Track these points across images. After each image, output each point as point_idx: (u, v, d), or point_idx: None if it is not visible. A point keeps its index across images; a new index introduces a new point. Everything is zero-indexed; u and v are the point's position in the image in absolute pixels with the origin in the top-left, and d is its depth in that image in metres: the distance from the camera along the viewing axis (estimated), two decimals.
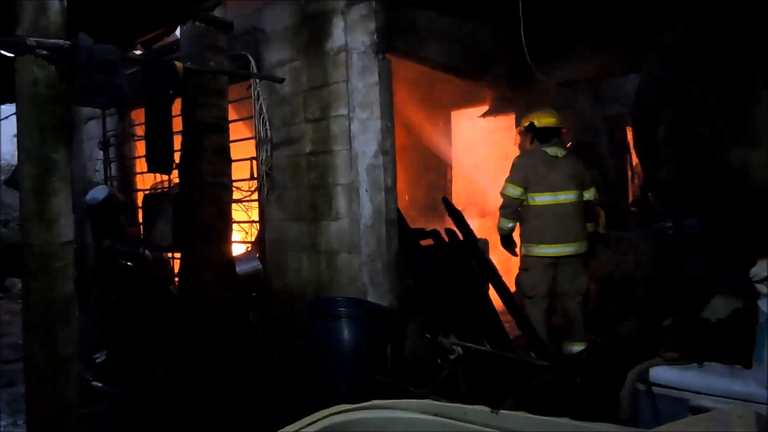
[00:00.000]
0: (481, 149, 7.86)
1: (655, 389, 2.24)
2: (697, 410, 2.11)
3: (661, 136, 3.18)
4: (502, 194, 4.29)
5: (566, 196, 4.21)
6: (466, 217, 4.66)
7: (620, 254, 5.20)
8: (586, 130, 6.12)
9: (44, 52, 2.27)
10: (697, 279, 3.82)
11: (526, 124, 4.39)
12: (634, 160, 5.98)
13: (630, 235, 5.40)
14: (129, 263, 4.66)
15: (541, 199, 4.18)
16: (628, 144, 6.28)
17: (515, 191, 4.21)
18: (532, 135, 4.37)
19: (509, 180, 4.25)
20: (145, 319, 4.53)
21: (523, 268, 4.28)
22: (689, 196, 3.65)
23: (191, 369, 3.84)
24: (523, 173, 4.22)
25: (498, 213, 4.38)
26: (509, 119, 6.21)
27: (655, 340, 2.94)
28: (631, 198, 6.16)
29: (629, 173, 6.18)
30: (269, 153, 4.64)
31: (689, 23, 3.12)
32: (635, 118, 3.78)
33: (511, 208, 4.29)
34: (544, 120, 4.36)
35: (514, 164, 4.31)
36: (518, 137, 4.64)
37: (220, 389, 3.75)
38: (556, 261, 4.19)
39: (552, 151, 4.28)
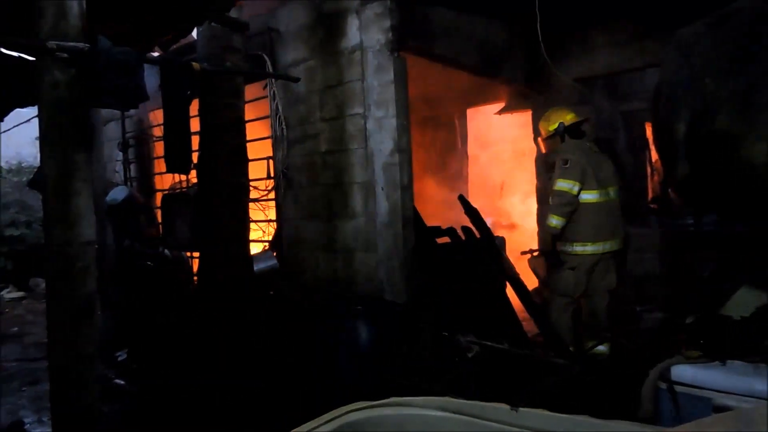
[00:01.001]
0: (497, 146, 7.83)
1: (677, 388, 2.21)
2: (720, 409, 2.08)
3: (681, 132, 3.13)
4: (560, 192, 4.04)
5: (614, 192, 4.15)
6: (483, 215, 4.63)
7: (639, 251, 5.13)
8: (604, 126, 6.05)
9: (65, 55, 2.30)
10: (717, 276, 3.76)
11: (554, 126, 4.29)
12: (654, 156, 5.89)
13: (649, 232, 5.33)
14: (149, 263, 4.72)
15: (592, 196, 4.05)
16: (646, 140, 6.19)
17: (575, 187, 3.99)
18: (561, 135, 4.28)
19: (566, 176, 4.02)
20: (162, 319, 4.58)
21: (570, 267, 4.12)
22: (710, 193, 3.59)
23: (206, 368, 3.88)
24: (579, 169, 4.02)
25: (551, 211, 4.13)
26: (525, 116, 6.17)
27: (675, 337, 2.90)
28: (650, 195, 6.07)
29: (648, 170, 6.09)
30: (285, 152, 4.66)
31: (706, 15, 3.07)
32: (654, 113, 3.72)
33: (572, 206, 4.05)
34: (568, 117, 4.30)
35: (566, 160, 4.08)
36: (544, 144, 4.53)
37: (234, 388, 3.78)
38: (600, 258, 4.12)
39: (592, 146, 4.22)
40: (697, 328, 2.50)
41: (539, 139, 4.58)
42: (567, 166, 4.06)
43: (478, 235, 4.40)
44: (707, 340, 2.38)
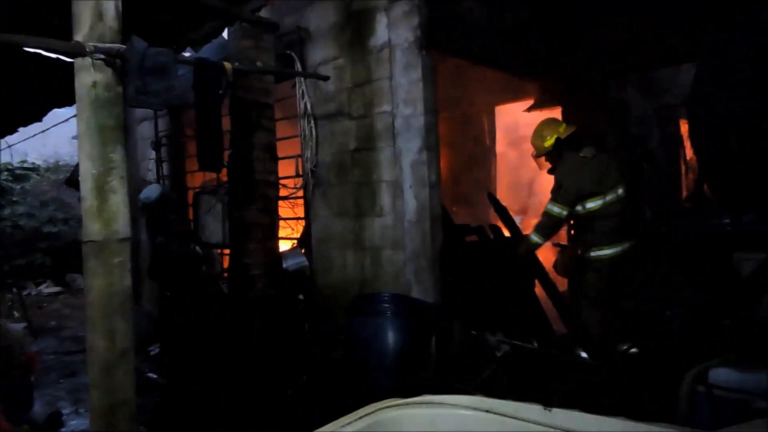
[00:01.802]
0: (526, 143, 7.75)
1: (715, 391, 2.15)
2: (760, 413, 2.02)
3: (718, 129, 3.05)
4: (549, 214, 4.02)
5: (623, 190, 4.07)
6: (511, 213, 4.59)
7: (673, 251, 5.01)
8: (636, 123, 5.93)
9: (101, 57, 2.35)
10: (756, 277, 3.65)
11: (550, 142, 4.15)
12: (689, 153, 5.75)
13: (684, 230, 5.20)
14: (181, 259, 4.81)
15: (600, 202, 3.98)
16: (681, 137, 6.06)
17: (564, 211, 3.97)
18: (559, 150, 4.14)
19: (558, 200, 3.98)
20: (182, 318, 4.66)
21: (594, 269, 4.06)
22: (749, 192, 3.49)
23: (236, 364, 3.92)
24: (574, 192, 3.97)
25: (536, 229, 4.12)
26: (555, 113, 6.09)
27: (711, 339, 2.82)
28: (684, 193, 5.94)
29: (683, 167, 5.95)
30: (314, 150, 4.70)
31: (744, 11, 2.98)
32: (691, 109, 3.63)
33: (555, 230, 4.10)
34: (561, 129, 4.17)
35: (560, 183, 4.03)
36: (539, 162, 4.36)
37: (264, 386, 3.82)
38: (622, 259, 4.05)
39: (588, 152, 4.10)
40: (736, 330, 2.43)
41: (532, 156, 4.39)
42: (560, 190, 4.00)
43: (507, 234, 4.36)
44: (746, 342, 2.32)
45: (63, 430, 3.98)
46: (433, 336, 3.76)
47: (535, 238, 4.12)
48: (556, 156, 4.17)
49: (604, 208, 3.99)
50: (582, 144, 4.15)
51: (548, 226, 4.06)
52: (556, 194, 4.03)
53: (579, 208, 4.02)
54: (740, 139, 3.13)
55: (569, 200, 3.98)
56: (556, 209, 3.99)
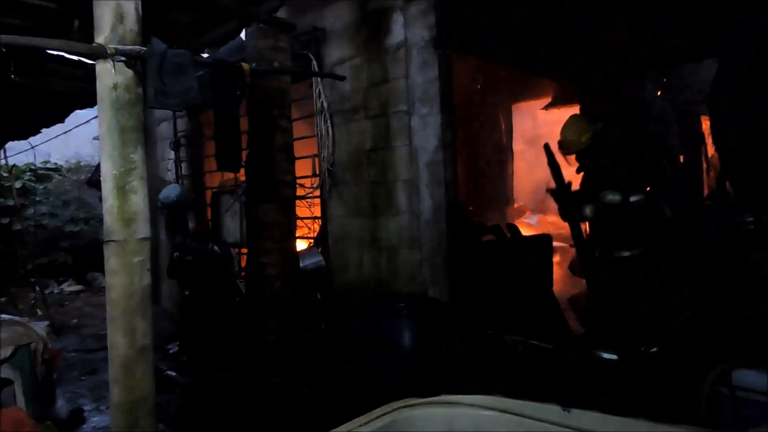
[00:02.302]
0: (544, 141, 7.69)
1: (739, 393, 2.11)
2: None
3: (740, 125, 2.99)
4: (610, 203, 3.79)
5: (645, 187, 3.97)
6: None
7: (688, 249, 4.93)
8: (656, 120, 5.84)
9: (122, 59, 2.39)
10: None
11: (586, 136, 4.02)
12: (710, 150, 5.65)
13: (702, 228, 5.11)
14: (199, 258, 4.86)
15: (642, 196, 3.84)
16: (702, 134, 5.95)
17: (619, 197, 3.79)
18: (597, 142, 4.03)
19: (614, 187, 3.79)
20: (197, 318, 4.71)
21: (613, 268, 3.95)
22: None
23: (252, 363, 3.95)
24: (626, 175, 3.83)
25: (589, 205, 3.89)
26: (573, 110, 6.03)
27: (733, 340, 2.77)
28: (706, 190, 5.84)
29: (704, 165, 5.85)
30: (331, 150, 4.71)
31: (746, 11, 2.92)
32: (712, 107, 3.57)
33: (610, 220, 3.89)
34: (593, 123, 4.11)
35: (610, 169, 3.86)
36: (572, 158, 4.27)
37: (280, 385, 3.84)
38: (641, 258, 3.97)
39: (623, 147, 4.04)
40: (759, 330, 2.39)
41: (560, 153, 4.19)
42: (614, 176, 3.86)
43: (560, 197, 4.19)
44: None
45: (84, 426, 4.04)
46: (448, 335, 3.75)
47: (587, 212, 3.92)
48: (593, 150, 4.03)
49: (640, 203, 3.88)
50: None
51: (603, 217, 3.88)
52: (610, 181, 3.82)
53: (624, 200, 3.84)
54: (740, 139, 3.07)
55: (624, 183, 3.80)
56: (617, 197, 3.77)
